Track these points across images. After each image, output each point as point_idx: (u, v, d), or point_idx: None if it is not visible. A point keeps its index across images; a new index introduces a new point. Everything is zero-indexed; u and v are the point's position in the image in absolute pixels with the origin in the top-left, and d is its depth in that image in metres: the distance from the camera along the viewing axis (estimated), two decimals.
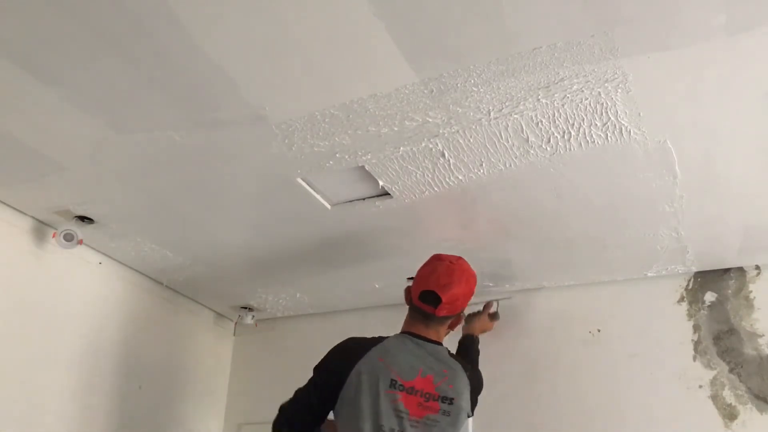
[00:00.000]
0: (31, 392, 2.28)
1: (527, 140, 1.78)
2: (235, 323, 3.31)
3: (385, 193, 2.08)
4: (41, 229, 2.36)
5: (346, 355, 1.91)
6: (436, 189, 2.03)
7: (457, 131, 1.76)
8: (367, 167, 1.93)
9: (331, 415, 1.92)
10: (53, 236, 2.30)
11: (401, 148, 1.83)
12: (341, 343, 1.99)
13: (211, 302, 3.12)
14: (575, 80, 1.55)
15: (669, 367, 2.41)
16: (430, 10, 1.35)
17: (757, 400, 2.27)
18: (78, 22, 1.41)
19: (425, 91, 1.60)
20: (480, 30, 1.40)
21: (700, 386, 2.35)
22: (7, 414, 2.18)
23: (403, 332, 2.00)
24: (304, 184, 2.04)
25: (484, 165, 1.89)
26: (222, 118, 1.73)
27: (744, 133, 1.71)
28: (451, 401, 1.89)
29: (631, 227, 2.20)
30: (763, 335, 2.33)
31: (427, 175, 1.96)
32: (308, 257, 2.53)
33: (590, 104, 1.63)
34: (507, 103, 1.64)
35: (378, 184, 2.01)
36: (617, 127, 1.70)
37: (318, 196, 2.11)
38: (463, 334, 2.41)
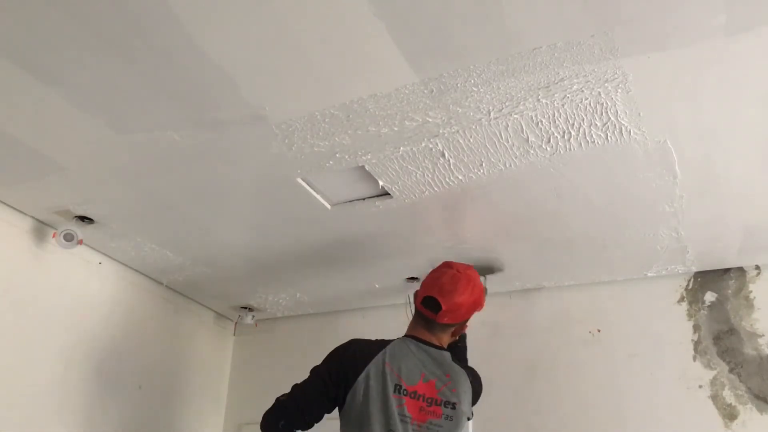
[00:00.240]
0: (30, 392, 2.28)
1: (527, 140, 1.78)
2: (235, 323, 3.32)
3: (385, 193, 2.08)
4: (41, 229, 2.36)
5: (354, 358, 1.91)
6: (436, 189, 2.03)
7: (457, 131, 1.76)
8: (367, 167, 1.93)
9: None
10: (53, 236, 2.30)
11: (401, 148, 1.83)
12: (345, 345, 1.98)
13: (211, 302, 3.12)
14: (575, 80, 1.55)
15: (669, 367, 2.41)
16: (430, 10, 1.35)
17: (757, 400, 2.27)
18: (78, 22, 1.41)
19: (425, 91, 1.60)
20: (480, 30, 1.40)
21: (700, 386, 2.35)
22: (5, 413, 2.18)
23: (406, 336, 2.00)
24: (304, 184, 2.04)
25: (484, 165, 1.89)
26: (222, 118, 1.73)
27: (744, 133, 1.71)
28: (453, 406, 1.90)
29: (631, 227, 2.20)
30: (763, 335, 2.33)
31: (427, 175, 1.96)
32: (308, 257, 2.53)
33: (590, 104, 1.63)
34: (507, 103, 1.64)
35: (378, 184, 2.01)
36: (617, 127, 1.70)
37: (318, 196, 2.11)
38: None
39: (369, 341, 1.98)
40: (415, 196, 2.07)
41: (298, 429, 1.93)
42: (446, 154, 1.85)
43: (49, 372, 2.36)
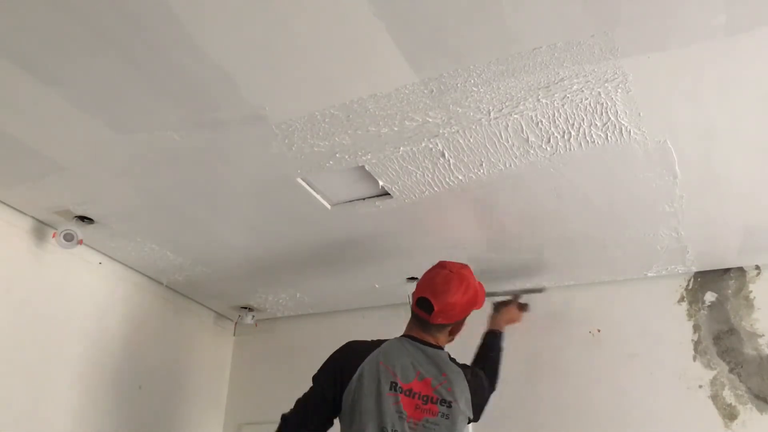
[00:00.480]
0: (30, 392, 2.28)
1: (527, 140, 1.78)
2: (235, 323, 3.31)
3: (385, 193, 2.08)
4: (41, 229, 2.36)
5: (348, 359, 1.92)
6: (436, 189, 2.03)
7: (457, 131, 1.76)
8: (367, 167, 1.93)
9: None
10: (53, 236, 2.30)
11: (401, 148, 1.83)
12: (341, 347, 1.99)
13: (211, 302, 3.11)
14: (575, 80, 1.55)
15: (669, 367, 2.41)
16: (430, 10, 1.35)
17: (757, 400, 2.27)
18: (78, 22, 1.41)
19: (425, 91, 1.60)
20: (480, 30, 1.40)
21: (700, 386, 2.35)
22: (7, 413, 2.18)
23: (403, 335, 2.01)
24: (304, 184, 2.04)
25: (484, 165, 1.89)
26: (222, 118, 1.73)
27: (744, 133, 1.71)
28: (449, 404, 1.89)
29: (631, 227, 2.20)
30: (763, 335, 2.33)
31: (427, 175, 1.96)
32: (308, 257, 2.53)
33: (590, 104, 1.63)
34: (507, 103, 1.64)
35: (378, 184, 2.01)
36: (617, 127, 1.70)
37: (318, 196, 2.11)
38: (487, 329, 2.34)
39: (364, 342, 1.98)
40: (415, 196, 2.07)
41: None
42: (446, 154, 1.85)
43: (49, 371, 2.36)
